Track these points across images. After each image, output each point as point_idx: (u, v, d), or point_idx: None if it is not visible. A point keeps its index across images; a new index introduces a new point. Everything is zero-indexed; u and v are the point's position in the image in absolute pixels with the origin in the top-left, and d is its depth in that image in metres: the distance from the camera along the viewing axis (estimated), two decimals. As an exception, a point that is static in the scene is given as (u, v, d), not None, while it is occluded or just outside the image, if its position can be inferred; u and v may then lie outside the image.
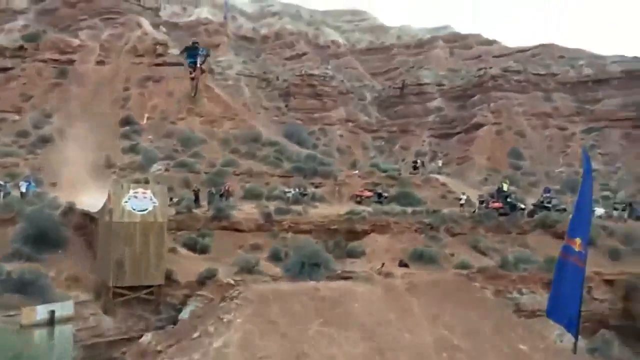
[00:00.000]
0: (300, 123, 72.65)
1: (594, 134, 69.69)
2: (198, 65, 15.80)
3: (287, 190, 38.32)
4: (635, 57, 77.04)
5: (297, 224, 31.29)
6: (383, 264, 25.45)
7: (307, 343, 11.52)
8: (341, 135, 76.30)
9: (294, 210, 33.02)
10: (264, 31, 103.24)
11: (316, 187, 41.50)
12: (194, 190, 35.26)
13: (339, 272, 23.88)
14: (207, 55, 16.63)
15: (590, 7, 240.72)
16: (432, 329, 12.37)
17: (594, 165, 56.88)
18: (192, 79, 17.27)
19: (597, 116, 71.11)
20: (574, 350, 10.29)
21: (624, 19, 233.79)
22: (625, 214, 36.12)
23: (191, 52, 16.22)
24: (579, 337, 10.20)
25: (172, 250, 25.64)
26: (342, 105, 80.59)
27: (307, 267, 23.89)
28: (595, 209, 33.67)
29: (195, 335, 12.82)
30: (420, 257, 27.40)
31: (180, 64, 59.42)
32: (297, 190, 38.25)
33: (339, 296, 13.19)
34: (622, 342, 24.41)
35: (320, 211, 33.90)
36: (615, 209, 38.30)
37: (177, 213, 30.22)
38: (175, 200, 32.88)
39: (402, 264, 26.37)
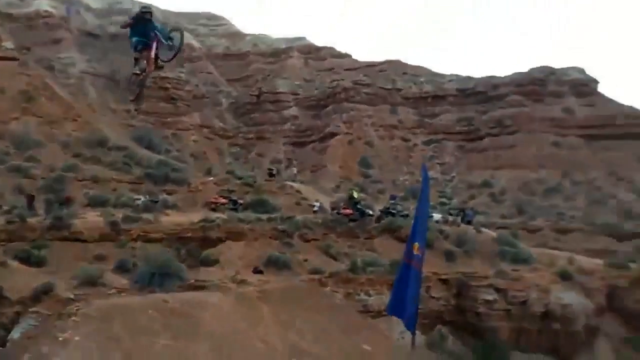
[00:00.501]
0: (151, 127, 69.59)
1: (433, 146, 76.21)
2: (153, 53, 8.77)
3: (136, 197, 36.39)
4: (468, 77, 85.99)
5: (147, 233, 29.78)
6: (237, 271, 25.23)
7: (153, 359, 10.98)
8: (195, 141, 74.56)
9: (144, 218, 31.43)
10: (112, 29, 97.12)
11: (168, 194, 39.99)
12: (27, 195, 32.06)
13: (192, 281, 23.23)
14: (179, 48, 9.04)
15: (431, 28, 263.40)
16: (283, 336, 12.48)
17: (433, 174, 62.16)
18: (137, 74, 9.50)
19: (436, 129, 77.92)
20: (412, 345, 11.11)
21: (460, 41, 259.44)
22: (459, 219, 39.84)
23: (141, 26, 9.10)
24: (417, 333, 11.00)
25: (2, 263, 23.01)
26: (197, 110, 78.91)
27: (157, 278, 22.81)
28: (433, 214, 36.67)
29: (27, 357, 11.61)
30: (275, 264, 27.64)
31: (15, 59, 53.99)
32: (147, 197, 36.51)
33: (188, 308, 12.77)
34: (455, 336, 26.86)
35: (173, 219, 32.65)
36: (450, 214, 42.26)
37: (8, 222, 27.24)
38: (5, 208, 29.63)
39: (257, 271, 26.40)
